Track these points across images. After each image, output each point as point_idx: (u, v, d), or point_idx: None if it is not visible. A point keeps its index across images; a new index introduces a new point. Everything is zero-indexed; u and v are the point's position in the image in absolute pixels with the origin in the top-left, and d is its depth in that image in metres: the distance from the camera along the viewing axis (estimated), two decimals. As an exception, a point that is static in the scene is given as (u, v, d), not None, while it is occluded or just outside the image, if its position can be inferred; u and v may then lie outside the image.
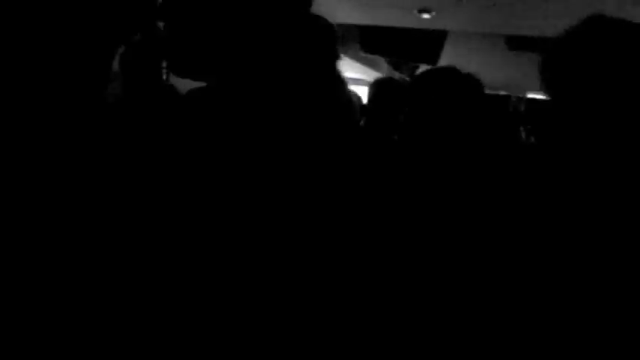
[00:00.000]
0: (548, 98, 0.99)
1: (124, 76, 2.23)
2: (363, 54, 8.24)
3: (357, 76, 9.60)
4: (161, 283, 1.16)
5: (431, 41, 7.77)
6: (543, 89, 1.02)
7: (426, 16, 5.72)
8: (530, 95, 9.37)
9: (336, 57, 1.62)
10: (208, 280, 1.18)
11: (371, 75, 9.33)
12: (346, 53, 7.98)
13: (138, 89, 2.21)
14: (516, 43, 7.29)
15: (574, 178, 0.91)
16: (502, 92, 9.67)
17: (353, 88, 3.70)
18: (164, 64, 2.25)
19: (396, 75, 8.64)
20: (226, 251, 1.19)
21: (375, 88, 2.59)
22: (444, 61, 8.30)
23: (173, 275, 1.17)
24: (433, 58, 8.16)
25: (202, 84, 1.27)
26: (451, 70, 1.62)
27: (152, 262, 1.15)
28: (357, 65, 8.27)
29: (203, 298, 1.17)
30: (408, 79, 9.41)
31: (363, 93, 3.67)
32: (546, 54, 1.01)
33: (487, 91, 1.83)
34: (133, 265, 1.10)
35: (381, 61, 9.11)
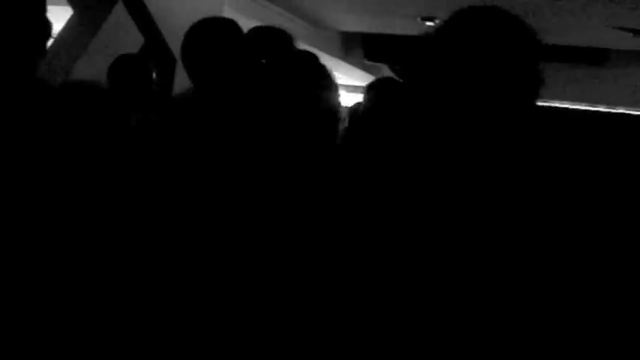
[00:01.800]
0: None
1: (111, 87, 2.23)
2: (366, 62, 8.25)
3: (359, 84, 9.60)
4: (161, 282, 1.16)
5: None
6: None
7: (429, 23, 5.74)
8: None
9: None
10: (208, 279, 1.18)
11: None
12: (349, 61, 7.98)
13: (127, 99, 2.22)
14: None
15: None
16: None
17: (355, 95, 3.68)
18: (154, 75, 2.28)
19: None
20: (227, 252, 1.20)
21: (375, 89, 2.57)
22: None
23: (173, 275, 1.18)
24: (437, 66, 8.14)
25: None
26: None
27: (152, 263, 1.15)
28: (359, 72, 8.27)
29: (203, 298, 1.17)
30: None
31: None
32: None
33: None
34: (134, 265, 1.11)
35: (384, 68, 9.12)
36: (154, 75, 2.30)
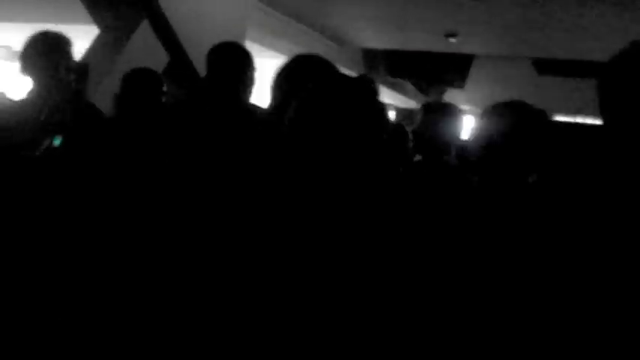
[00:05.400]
0: (602, 121, 0.96)
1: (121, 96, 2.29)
2: (390, 78, 8.26)
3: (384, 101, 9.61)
4: (161, 283, 1.16)
5: (458, 65, 7.77)
6: (600, 112, 0.98)
7: (452, 40, 5.73)
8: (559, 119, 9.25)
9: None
10: (208, 280, 1.18)
11: (397, 99, 9.34)
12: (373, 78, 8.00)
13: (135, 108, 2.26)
14: (545, 67, 7.22)
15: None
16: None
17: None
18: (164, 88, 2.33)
19: (423, 99, 8.63)
20: (227, 252, 1.20)
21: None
22: (470, 84, 8.28)
23: (173, 276, 1.18)
24: (460, 82, 8.14)
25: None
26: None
27: (152, 264, 1.15)
28: (384, 90, 8.29)
29: (203, 299, 1.17)
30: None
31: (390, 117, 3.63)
32: (602, 77, 0.98)
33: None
34: (134, 266, 1.11)
35: (408, 84, 9.11)
36: (166, 88, 2.35)
